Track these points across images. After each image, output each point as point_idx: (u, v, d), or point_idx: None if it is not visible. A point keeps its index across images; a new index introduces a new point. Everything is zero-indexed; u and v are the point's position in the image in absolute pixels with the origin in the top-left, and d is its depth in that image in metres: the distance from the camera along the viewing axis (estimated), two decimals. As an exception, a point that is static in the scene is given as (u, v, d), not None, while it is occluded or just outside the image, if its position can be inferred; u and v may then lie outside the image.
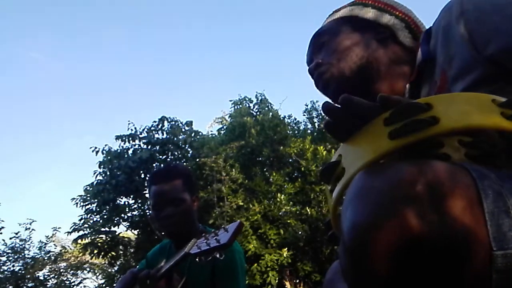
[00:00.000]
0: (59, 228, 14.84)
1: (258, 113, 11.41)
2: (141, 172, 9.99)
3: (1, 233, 11.91)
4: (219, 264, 1.21)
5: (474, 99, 0.35)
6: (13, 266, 12.01)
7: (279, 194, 9.33)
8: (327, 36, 0.82)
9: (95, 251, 10.18)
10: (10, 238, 12.19)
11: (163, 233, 1.46)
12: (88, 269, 14.68)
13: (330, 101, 0.81)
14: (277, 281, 8.79)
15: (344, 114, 0.38)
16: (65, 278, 13.25)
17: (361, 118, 0.37)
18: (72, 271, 13.73)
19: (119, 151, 10.33)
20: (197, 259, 1.12)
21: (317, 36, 0.85)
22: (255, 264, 8.57)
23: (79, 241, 10.32)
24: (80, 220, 10.24)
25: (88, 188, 10.26)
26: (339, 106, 0.38)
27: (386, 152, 0.33)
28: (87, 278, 14.47)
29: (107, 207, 10.18)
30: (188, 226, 1.39)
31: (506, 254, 0.28)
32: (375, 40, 0.79)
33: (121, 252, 11.02)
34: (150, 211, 1.49)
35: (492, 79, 0.54)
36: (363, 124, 0.37)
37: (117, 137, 10.33)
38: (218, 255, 1.07)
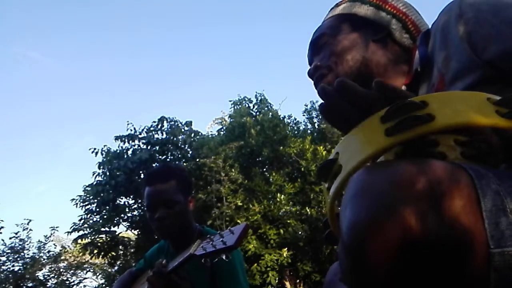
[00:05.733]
0: (57, 227, 14.85)
1: (257, 113, 11.42)
2: (141, 172, 9.99)
3: (0, 233, 11.94)
4: (219, 264, 1.21)
5: (470, 97, 0.35)
6: (13, 266, 12.05)
7: (279, 194, 9.34)
8: (326, 37, 0.82)
9: (95, 251, 10.20)
10: (10, 238, 12.22)
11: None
12: (88, 269, 14.71)
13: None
14: (277, 281, 8.80)
15: (339, 98, 0.38)
16: (65, 278, 13.28)
17: (355, 103, 0.37)
18: (72, 271, 13.75)
19: (118, 151, 10.34)
20: (202, 261, 1.10)
21: (316, 36, 0.84)
22: (255, 264, 8.57)
23: (79, 241, 10.34)
24: (80, 220, 10.27)
25: (87, 189, 10.28)
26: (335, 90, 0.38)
27: (383, 149, 0.33)
28: (87, 278, 14.51)
29: (107, 207, 10.20)
30: (183, 228, 1.38)
31: (503, 252, 0.28)
32: (373, 40, 0.78)
33: (121, 252, 11.03)
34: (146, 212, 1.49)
35: (490, 81, 0.54)
36: (357, 110, 0.37)
37: (116, 138, 10.34)
38: (224, 257, 1.07)
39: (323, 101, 0.39)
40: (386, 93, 0.36)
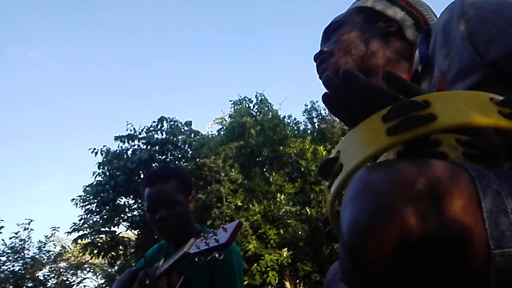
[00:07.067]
0: (58, 227, 14.83)
1: (257, 113, 11.42)
2: (141, 172, 10.00)
3: (0, 233, 11.93)
4: (217, 264, 1.22)
5: (472, 97, 0.35)
6: (13, 266, 12.04)
7: (279, 194, 9.34)
8: (337, 25, 0.84)
9: (95, 251, 10.20)
10: (10, 238, 12.22)
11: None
12: (88, 269, 14.71)
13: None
14: (277, 281, 8.80)
15: (343, 87, 0.38)
16: (65, 278, 13.27)
17: (358, 93, 0.37)
18: (72, 271, 13.75)
19: (118, 151, 10.34)
20: (196, 259, 1.11)
21: (329, 24, 0.86)
22: (255, 264, 8.58)
23: (79, 241, 10.33)
24: (80, 220, 10.27)
25: (87, 189, 10.28)
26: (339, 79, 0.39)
27: (384, 148, 0.33)
28: (87, 278, 14.51)
29: (107, 207, 10.20)
30: (184, 228, 1.38)
31: (504, 252, 0.28)
32: (381, 33, 0.79)
33: (121, 252, 11.03)
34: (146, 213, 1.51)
35: (493, 82, 0.53)
36: (360, 99, 0.37)
37: (116, 138, 10.34)
38: (217, 255, 1.07)
39: (326, 91, 0.39)
40: (396, 85, 0.36)
